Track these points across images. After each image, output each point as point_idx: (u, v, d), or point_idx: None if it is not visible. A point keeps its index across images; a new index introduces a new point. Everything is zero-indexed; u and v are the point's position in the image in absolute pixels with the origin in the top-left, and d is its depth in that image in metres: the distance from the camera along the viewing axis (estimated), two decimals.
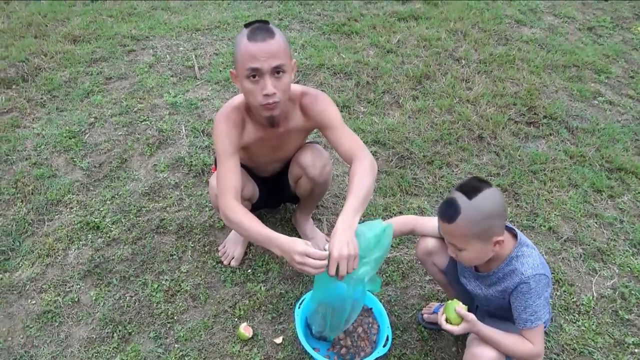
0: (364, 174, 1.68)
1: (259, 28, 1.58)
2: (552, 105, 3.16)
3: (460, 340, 1.94)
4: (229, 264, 2.17)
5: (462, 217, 1.43)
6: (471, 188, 1.44)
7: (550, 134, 2.99)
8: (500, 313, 1.63)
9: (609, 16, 4.33)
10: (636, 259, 2.28)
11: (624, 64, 3.68)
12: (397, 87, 3.27)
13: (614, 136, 2.97)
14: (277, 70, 1.59)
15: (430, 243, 1.77)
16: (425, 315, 1.97)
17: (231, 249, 2.18)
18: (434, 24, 4.00)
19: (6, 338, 1.90)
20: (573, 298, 2.11)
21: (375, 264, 1.59)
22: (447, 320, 1.56)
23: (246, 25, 1.61)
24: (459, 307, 1.54)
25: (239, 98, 1.77)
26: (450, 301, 1.58)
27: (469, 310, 1.53)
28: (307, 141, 2.04)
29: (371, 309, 1.92)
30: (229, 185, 1.71)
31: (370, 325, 1.87)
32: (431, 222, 1.76)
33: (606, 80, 3.48)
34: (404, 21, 4.05)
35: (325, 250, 1.54)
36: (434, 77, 3.39)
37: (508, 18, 4.18)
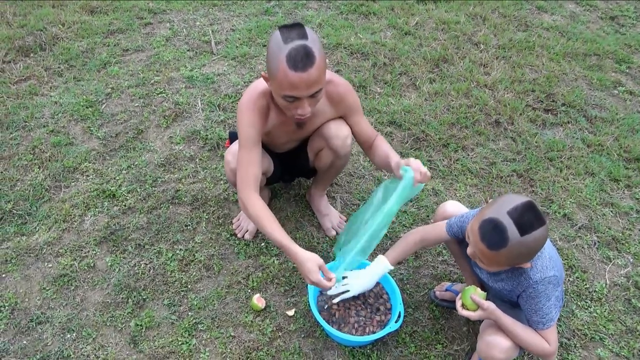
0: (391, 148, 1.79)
1: (300, 53, 1.45)
2: (571, 93, 3.12)
3: (472, 322, 1.95)
4: (243, 237, 2.18)
5: (506, 249, 1.33)
6: (527, 223, 1.31)
7: (568, 122, 2.95)
8: (511, 303, 1.62)
9: (632, 5, 4.24)
10: None
11: None
12: (414, 69, 3.24)
13: (634, 126, 2.93)
14: (315, 93, 1.57)
15: (449, 209, 1.76)
16: (437, 293, 1.97)
17: (245, 222, 2.19)
18: (453, 7, 3.94)
19: (23, 299, 1.93)
20: (586, 285, 2.11)
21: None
22: (463, 306, 1.55)
23: (281, 29, 1.49)
24: (475, 294, 1.52)
25: (264, 84, 1.72)
26: (468, 287, 1.57)
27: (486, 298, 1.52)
28: None
29: (384, 286, 1.93)
30: (250, 177, 1.72)
31: (383, 301, 1.88)
32: (437, 228, 1.73)
33: (627, 70, 3.43)
34: (423, 3, 4.00)
35: None
36: (452, 60, 3.36)
37: (529, 4, 4.11)
